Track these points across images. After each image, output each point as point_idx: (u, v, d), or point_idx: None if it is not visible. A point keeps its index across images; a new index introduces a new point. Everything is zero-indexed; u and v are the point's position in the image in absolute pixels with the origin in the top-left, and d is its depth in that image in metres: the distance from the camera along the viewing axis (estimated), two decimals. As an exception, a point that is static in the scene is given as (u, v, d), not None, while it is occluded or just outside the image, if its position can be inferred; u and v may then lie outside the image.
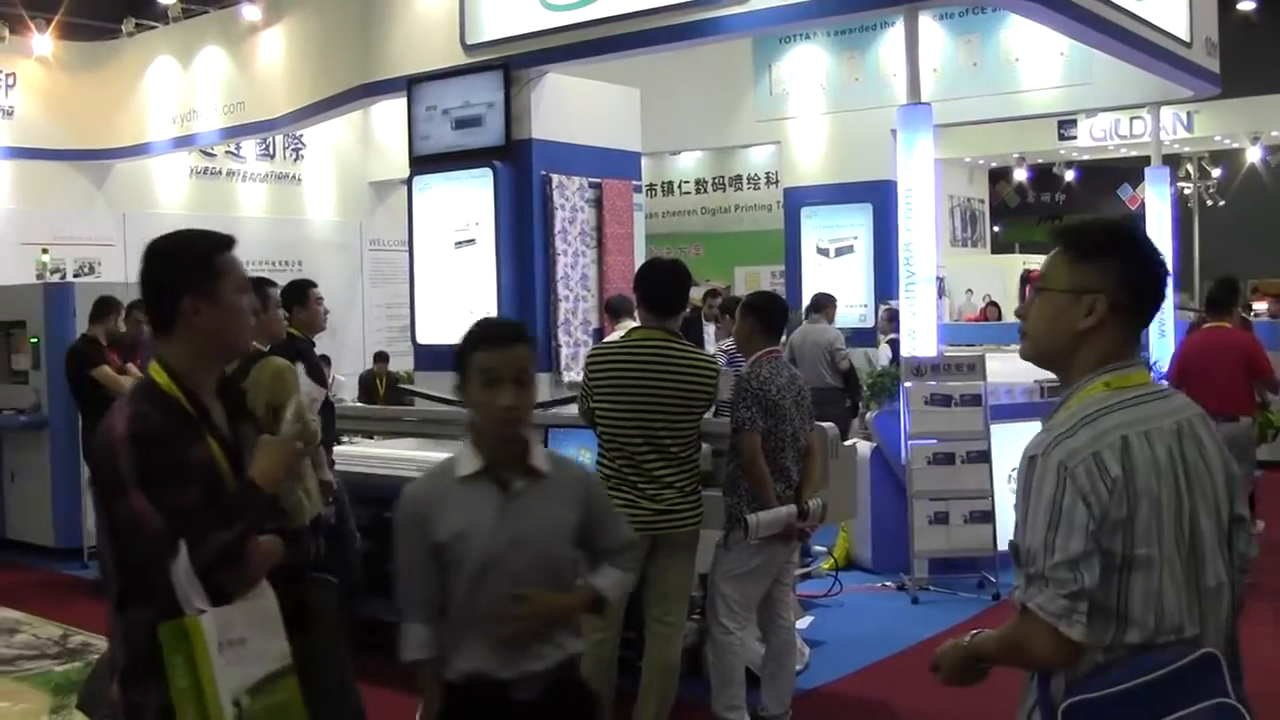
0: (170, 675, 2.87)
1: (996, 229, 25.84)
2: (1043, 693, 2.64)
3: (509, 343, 3.43)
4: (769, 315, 6.32)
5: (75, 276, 15.83)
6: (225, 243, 3.25)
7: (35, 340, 11.22)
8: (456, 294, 10.90)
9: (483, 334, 3.47)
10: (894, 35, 14.59)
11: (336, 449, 7.82)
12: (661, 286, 5.91)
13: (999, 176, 25.36)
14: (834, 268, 15.62)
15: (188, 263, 3.15)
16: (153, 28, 16.49)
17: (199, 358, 3.14)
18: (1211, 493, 2.67)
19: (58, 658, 8.13)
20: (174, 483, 2.94)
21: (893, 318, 11.83)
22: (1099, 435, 2.59)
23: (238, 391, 3.42)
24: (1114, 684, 2.49)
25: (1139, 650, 2.55)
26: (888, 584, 9.40)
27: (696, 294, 15.33)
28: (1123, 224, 2.94)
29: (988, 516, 9.12)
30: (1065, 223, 3.68)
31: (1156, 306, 2.81)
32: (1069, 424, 2.63)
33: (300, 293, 7.27)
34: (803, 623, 7.60)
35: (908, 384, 9.34)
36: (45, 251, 15.52)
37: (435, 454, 8.06)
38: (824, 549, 9.92)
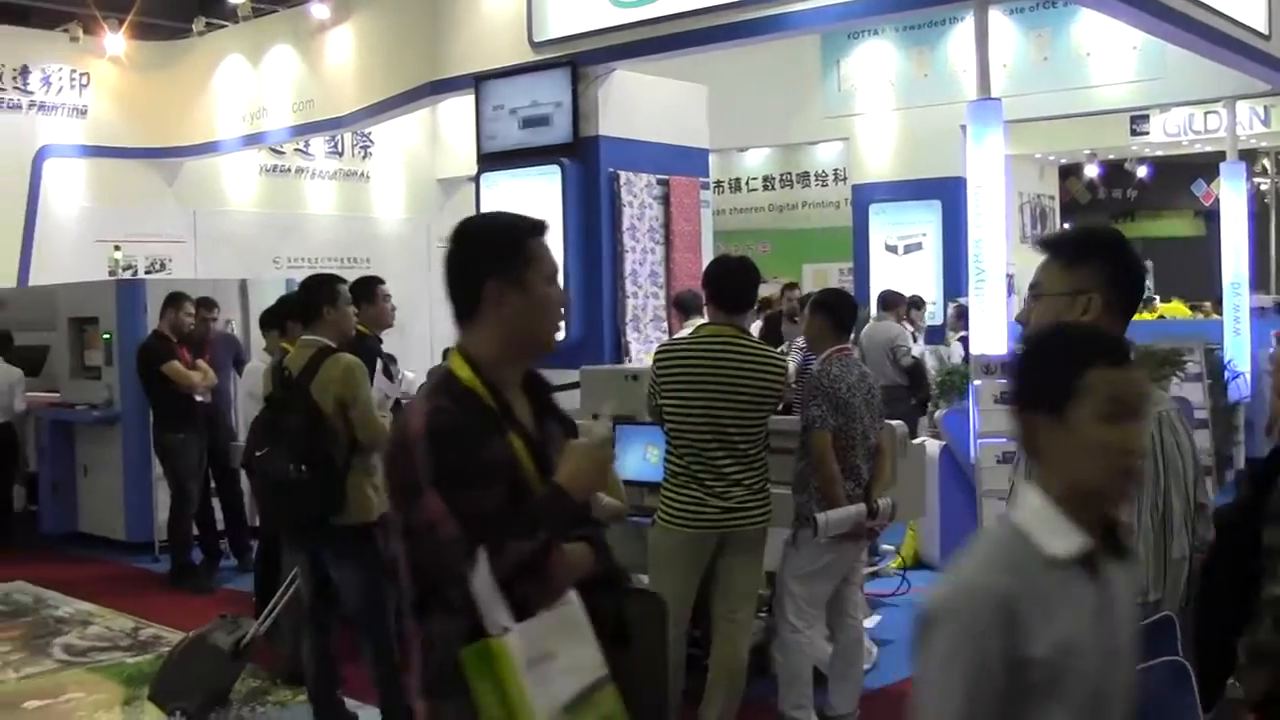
0: (479, 702, 2.63)
1: (1066, 226, 25.56)
2: None
3: (1130, 361, 2.38)
4: (839, 312, 6.28)
5: (147, 273, 16.00)
6: (538, 228, 3.03)
7: (108, 336, 11.34)
8: (524, 291, 10.93)
9: (1102, 345, 2.38)
10: (963, 30, 14.48)
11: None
12: (730, 283, 5.88)
13: (1069, 173, 25.10)
14: (903, 265, 15.53)
15: (496, 245, 2.96)
16: (223, 27, 16.64)
17: (504, 349, 2.91)
18: (1183, 477, 3.02)
19: (130, 650, 8.23)
20: (473, 484, 2.69)
21: (962, 315, 11.74)
22: None
23: (545, 386, 3.10)
24: None
25: None
26: (956, 583, 9.31)
27: (774, 289, 15.36)
28: (1105, 230, 3.36)
29: (1058, 516, 9.00)
30: (1047, 234, 3.85)
31: (1137, 304, 3.16)
32: None
33: (367, 289, 7.30)
34: (870, 621, 7.54)
35: (977, 382, 9.24)
36: (118, 249, 15.71)
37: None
38: (892, 548, 9.85)
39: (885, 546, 9.74)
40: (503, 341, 2.90)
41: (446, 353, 13.16)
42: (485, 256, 2.94)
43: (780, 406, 6.06)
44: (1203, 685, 2.99)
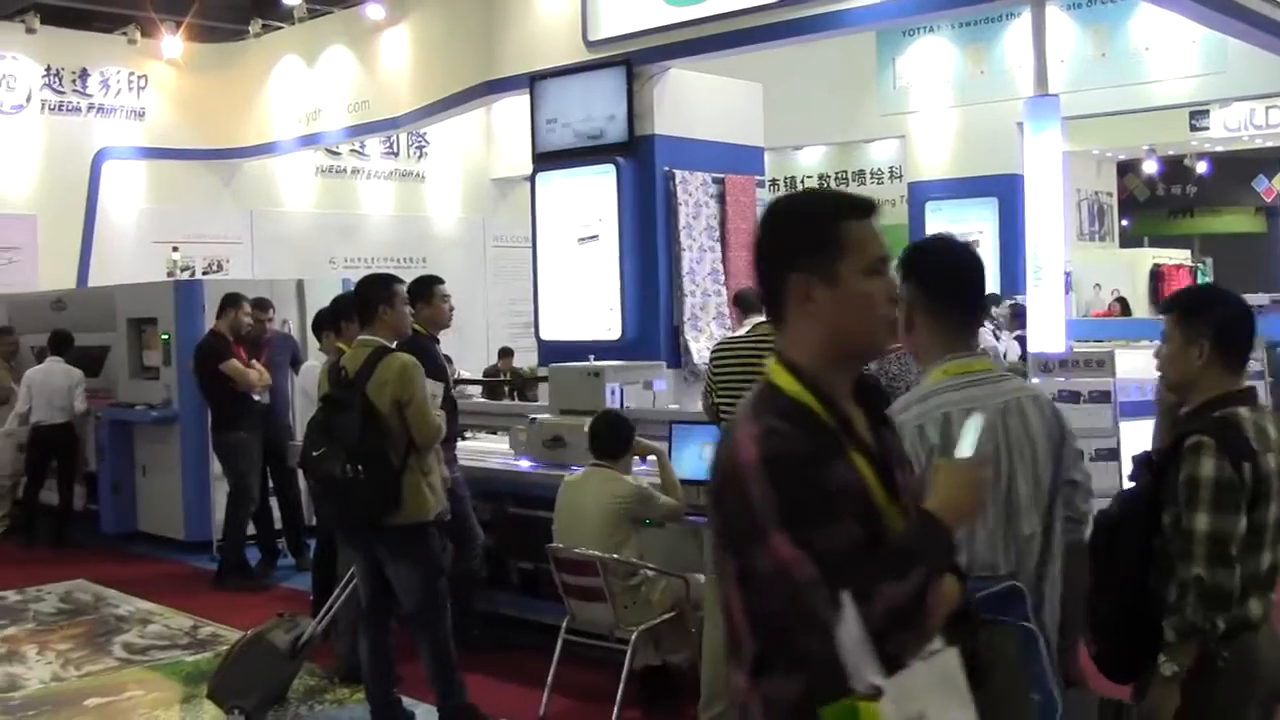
0: None
1: (1125, 223, 25.34)
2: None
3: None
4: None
5: (204, 274, 16.13)
6: (859, 207, 2.48)
7: (166, 337, 11.41)
8: (580, 290, 10.91)
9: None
10: (1019, 26, 14.38)
11: (460, 444, 7.88)
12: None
13: (1127, 169, 24.84)
14: (958, 263, 15.42)
15: (800, 232, 2.46)
16: (279, 28, 16.74)
17: (825, 354, 2.42)
18: (1031, 459, 3.20)
19: (188, 648, 8.28)
20: (825, 519, 2.24)
21: (1018, 314, 11.63)
22: (925, 411, 3.15)
23: (879, 392, 2.64)
24: None
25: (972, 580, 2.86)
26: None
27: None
28: (913, 244, 3.47)
29: (1118, 515, 8.93)
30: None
31: (961, 302, 3.32)
32: (906, 403, 3.19)
33: (425, 289, 7.31)
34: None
35: (1035, 379, 9.17)
36: (176, 249, 15.85)
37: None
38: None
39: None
40: (822, 344, 2.42)
41: (503, 352, 13.17)
42: (789, 245, 2.47)
43: None
44: (1113, 654, 3.57)
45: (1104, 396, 9.04)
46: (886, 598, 2.20)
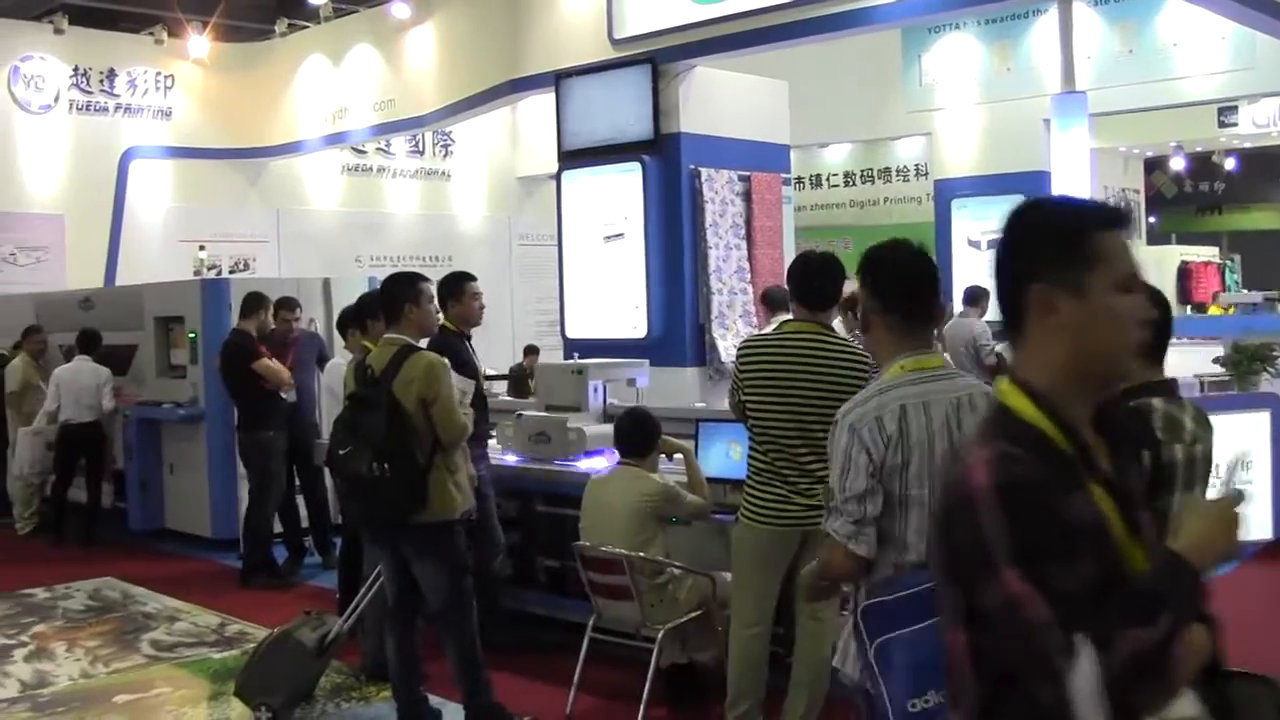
0: None
1: (1152, 220, 25.23)
2: (854, 600, 3.54)
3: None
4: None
5: (231, 273, 16.19)
6: (1112, 218, 2.30)
7: (193, 335, 11.45)
8: (606, 288, 10.91)
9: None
10: (1046, 23, 14.32)
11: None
12: (812, 280, 5.83)
13: (1154, 166, 24.72)
14: (985, 260, 15.35)
15: (1048, 240, 2.27)
16: (304, 28, 16.79)
17: (1068, 375, 2.23)
18: None
19: (215, 645, 8.31)
20: (1062, 554, 2.07)
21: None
22: (883, 404, 3.54)
23: (1129, 421, 2.56)
24: (899, 590, 3.32)
25: (918, 567, 3.38)
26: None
27: (849, 286, 15.13)
28: (870, 250, 3.80)
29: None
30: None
31: (915, 305, 3.65)
32: (865, 397, 3.60)
33: (456, 286, 7.33)
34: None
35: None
36: (202, 248, 15.91)
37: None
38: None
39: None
40: (1063, 364, 2.23)
41: (529, 349, 13.20)
42: (1034, 253, 2.28)
43: None
44: None
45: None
46: (1129, 644, 2.01)
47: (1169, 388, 3.66)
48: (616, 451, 6.73)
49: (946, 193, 16.09)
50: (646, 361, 8.94)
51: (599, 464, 7.49)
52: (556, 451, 7.67)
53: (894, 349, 3.61)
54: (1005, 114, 15.26)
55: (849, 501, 3.54)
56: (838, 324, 6.58)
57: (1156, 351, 3.67)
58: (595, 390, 8.35)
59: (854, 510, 3.53)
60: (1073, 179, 9.47)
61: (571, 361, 8.60)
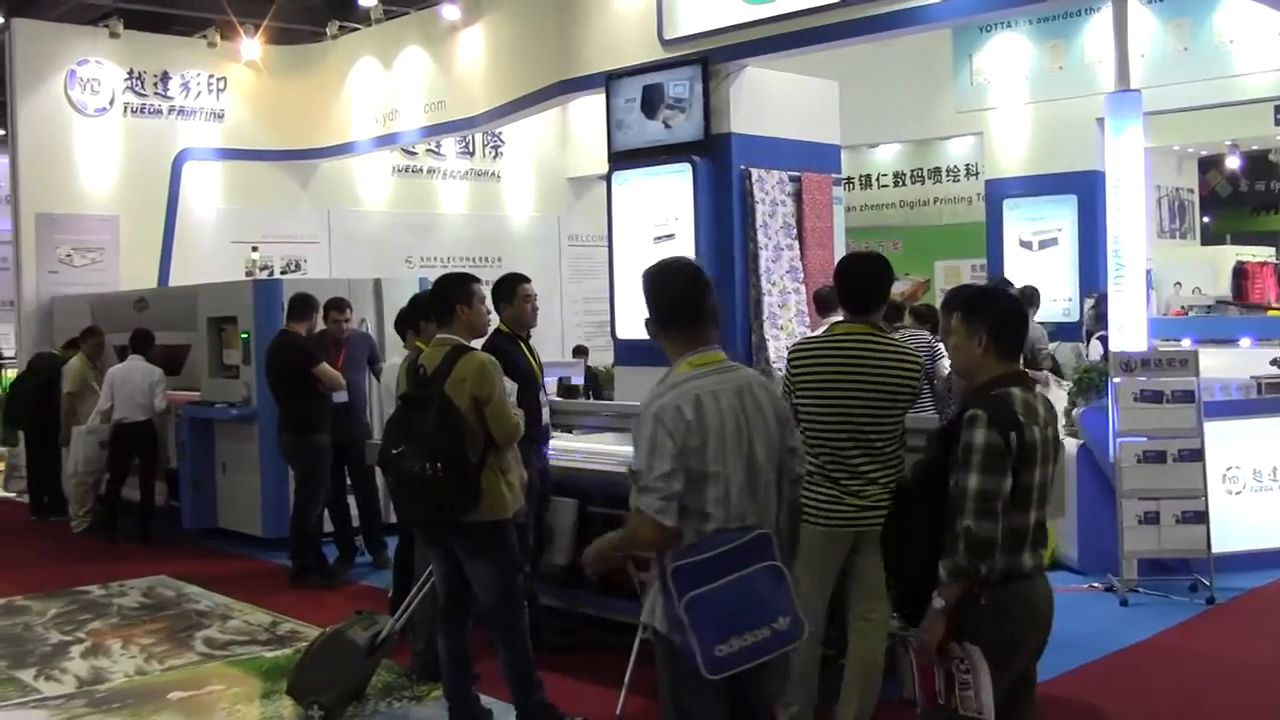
0: None
1: (1206, 220, 24.95)
2: (660, 564, 4.03)
3: None
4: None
5: (282, 273, 16.29)
6: None
7: (245, 335, 11.52)
8: (656, 289, 10.90)
9: None
10: (1099, 21, 14.21)
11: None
12: (860, 281, 5.83)
13: (1209, 165, 24.48)
14: (1037, 261, 15.27)
15: None
16: (355, 30, 16.85)
17: None
18: (764, 429, 4.17)
19: (268, 644, 8.36)
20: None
21: (1100, 315, 11.49)
22: (680, 395, 4.06)
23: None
24: (703, 552, 3.96)
25: (718, 532, 4.01)
26: (1095, 585, 9.14)
27: (906, 286, 15.11)
28: (648, 270, 4.41)
29: (1201, 517, 8.80)
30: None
31: (687, 316, 4.24)
32: (663, 389, 4.12)
33: (508, 288, 7.35)
34: (1008, 623, 7.40)
35: (1117, 379, 9.06)
36: (255, 249, 16.00)
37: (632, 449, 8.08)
38: (1029, 548, 9.65)
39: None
40: None
41: (578, 350, 13.21)
42: None
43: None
44: (913, 600, 4.20)
45: (1187, 396, 8.92)
46: None
47: (1024, 379, 4.31)
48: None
49: (998, 193, 15.98)
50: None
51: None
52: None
53: (681, 351, 4.21)
54: (1057, 113, 15.14)
55: (657, 480, 3.97)
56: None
57: (1011, 350, 4.34)
58: None
59: (661, 487, 3.97)
60: (1127, 179, 9.37)
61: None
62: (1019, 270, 15.03)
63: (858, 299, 5.77)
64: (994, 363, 4.29)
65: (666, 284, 4.34)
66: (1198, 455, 8.88)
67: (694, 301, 4.26)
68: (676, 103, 10.73)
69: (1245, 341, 13.88)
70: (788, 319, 10.78)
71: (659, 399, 4.06)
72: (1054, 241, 15.28)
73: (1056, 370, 11.30)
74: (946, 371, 10.29)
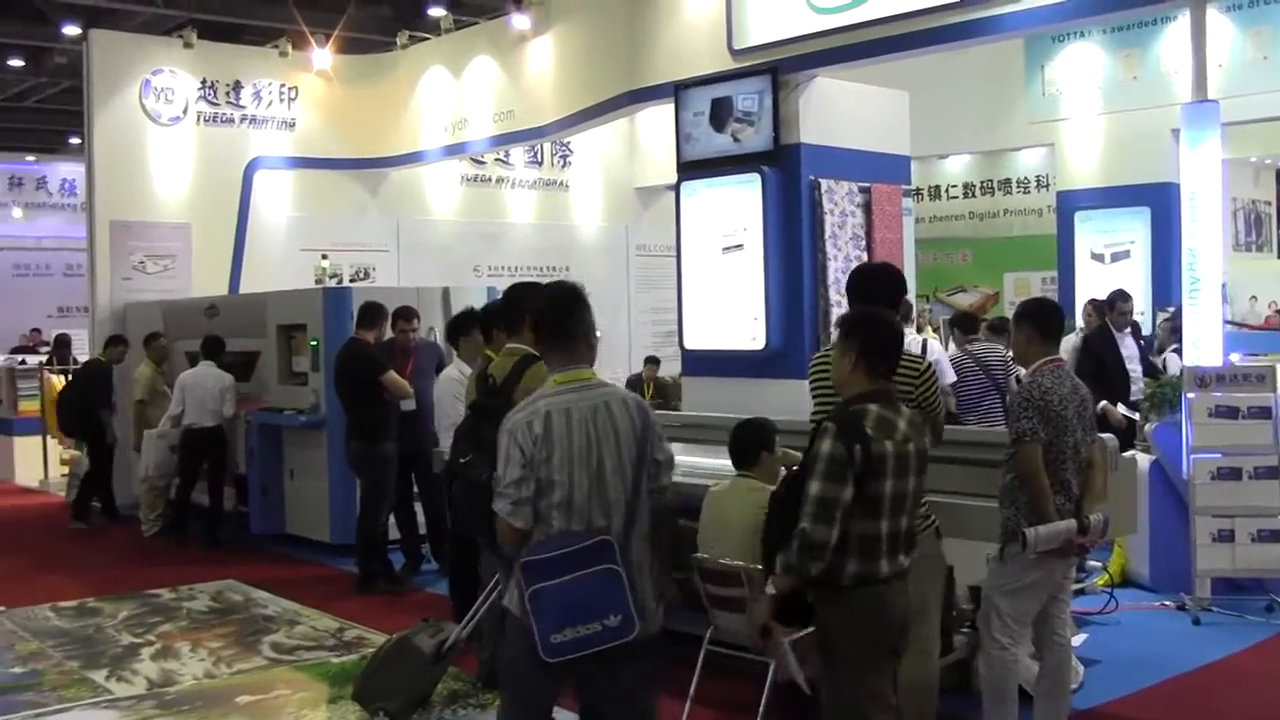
0: None
1: (1283, 232, 24.57)
2: (515, 560, 4.45)
3: None
4: (1043, 322, 6.09)
5: (351, 281, 16.38)
6: None
7: (315, 343, 11.59)
8: (725, 299, 10.87)
9: None
10: (1175, 30, 14.05)
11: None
12: (864, 288, 5.89)
13: (1287, 177, 24.11)
14: (1110, 274, 15.09)
15: None
16: (425, 40, 16.93)
17: None
18: (614, 442, 4.48)
19: (334, 649, 8.40)
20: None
21: (1175, 329, 11.32)
22: (533, 412, 4.46)
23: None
24: (548, 551, 4.37)
25: (564, 534, 4.40)
26: (1167, 603, 9.02)
27: (974, 298, 14.90)
28: (538, 292, 5.16)
29: (1277, 536, 8.65)
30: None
31: (557, 330, 4.65)
32: (522, 406, 4.54)
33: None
34: (1078, 640, 7.32)
35: (1191, 395, 8.94)
36: (324, 257, 16.09)
37: (700, 459, 8.07)
38: (1099, 564, 9.55)
39: (1092, 563, 9.46)
40: None
41: (649, 360, 13.17)
42: None
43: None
44: (801, 607, 4.66)
45: (1264, 413, 8.78)
46: None
47: (883, 396, 4.70)
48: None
49: (1069, 205, 15.82)
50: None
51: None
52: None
53: (554, 366, 4.64)
54: (1131, 124, 14.98)
55: (509, 487, 4.42)
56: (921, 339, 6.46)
57: (878, 369, 4.74)
58: None
59: (512, 493, 4.41)
60: (1203, 191, 9.24)
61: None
62: (1091, 283, 14.88)
63: (854, 297, 5.89)
64: (862, 379, 4.72)
65: (546, 305, 4.78)
66: (1274, 473, 8.73)
67: (568, 322, 4.64)
68: (745, 116, 10.69)
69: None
70: (852, 331, 10.69)
71: (516, 414, 4.51)
72: (1126, 254, 15.12)
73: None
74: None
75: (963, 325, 10.60)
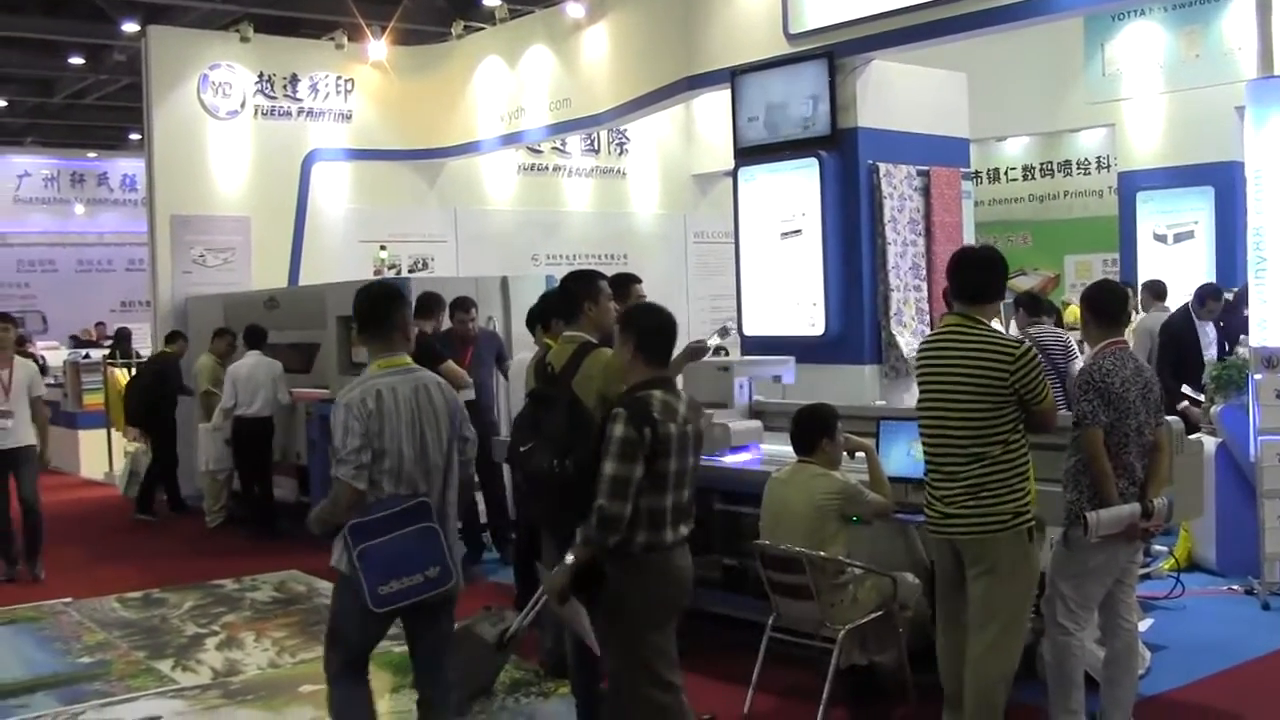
0: None
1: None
2: (345, 522, 5.07)
3: None
4: (1104, 305, 6.01)
5: (410, 272, 16.43)
6: None
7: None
8: (783, 285, 10.82)
9: None
10: (1238, 6, 13.85)
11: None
12: (964, 274, 5.72)
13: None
14: (1173, 255, 14.93)
15: None
16: (480, 29, 16.96)
17: None
18: (434, 418, 5.26)
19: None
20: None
21: (1229, 307, 11.13)
22: (365, 389, 5.15)
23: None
24: (374, 513, 5.05)
25: (390, 498, 5.09)
26: (1234, 587, 8.90)
27: (1035, 280, 14.74)
28: (358, 289, 5.57)
29: (1348, 518, 8.52)
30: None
31: (374, 323, 5.39)
32: (353, 385, 5.21)
33: (622, 289, 7.33)
34: (1143, 625, 7.23)
35: (1258, 376, 8.82)
36: (383, 248, 16.17)
37: (766, 445, 8.04)
38: (1164, 548, 9.43)
39: (1158, 547, 9.33)
40: None
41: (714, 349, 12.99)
42: None
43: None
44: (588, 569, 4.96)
45: (1333, 394, 8.63)
46: None
47: (665, 383, 5.07)
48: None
49: (1131, 185, 15.64)
50: (791, 358, 8.91)
51: (744, 459, 7.79)
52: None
53: (375, 353, 5.36)
54: (1194, 102, 14.79)
55: (350, 454, 5.02)
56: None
57: (655, 358, 5.09)
58: (741, 387, 8.53)
59: (354, 459, 5.01)
60: (1269, 169, 9.10)
61: (717, 359, 8.61)
62: (1152, 264, 14.72)
63: (963, 291, 5.67)
64: (642, 368, 5.06)
65: (365, 302, 5.41)
66: (1341, 455, 8.60)
67: (384, 317, 5.34)
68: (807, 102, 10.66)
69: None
70: (910, 315, 10.65)
71: (350, 392, 5.17)
72: (1190, 235, 14.94)
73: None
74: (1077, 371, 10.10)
75: (1029, 306, 10.39)
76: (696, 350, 7.26)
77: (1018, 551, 5.44)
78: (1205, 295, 11.03)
